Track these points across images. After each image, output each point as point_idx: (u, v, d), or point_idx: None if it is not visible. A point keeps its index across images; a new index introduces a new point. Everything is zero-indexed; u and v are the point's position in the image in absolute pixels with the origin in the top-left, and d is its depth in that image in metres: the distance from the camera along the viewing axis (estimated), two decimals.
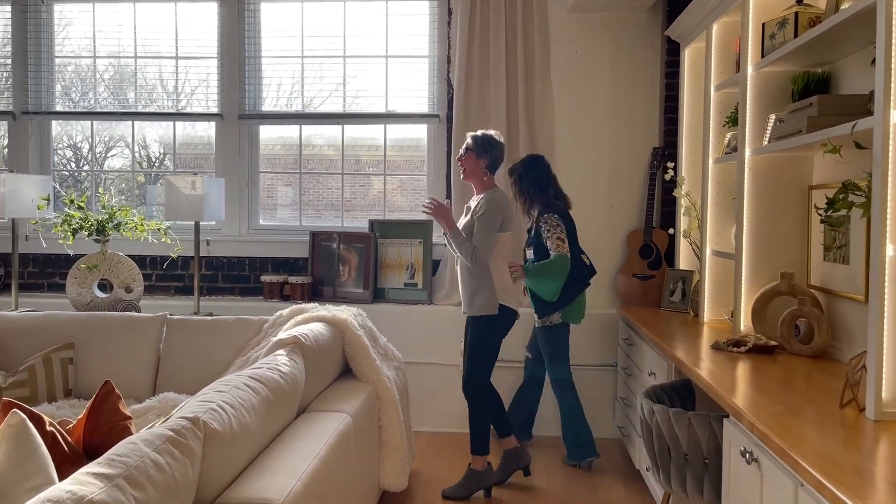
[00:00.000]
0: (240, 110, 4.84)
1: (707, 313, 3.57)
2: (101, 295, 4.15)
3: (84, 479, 1.38)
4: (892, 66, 1.92)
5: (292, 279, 4.61)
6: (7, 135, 5.03)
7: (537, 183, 3.81)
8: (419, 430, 4.45)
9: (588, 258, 3.89)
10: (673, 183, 4.22)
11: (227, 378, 2.20)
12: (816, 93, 2.77)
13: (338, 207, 4.94)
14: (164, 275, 4.90)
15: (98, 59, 5.05)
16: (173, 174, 4.75)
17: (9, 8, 4.96)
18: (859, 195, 2.19)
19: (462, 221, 3.57)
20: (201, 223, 4.34)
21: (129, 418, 2.05)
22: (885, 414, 1.94)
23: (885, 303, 1.93)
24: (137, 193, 5.09)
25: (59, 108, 5.08)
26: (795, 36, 2.65)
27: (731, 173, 3.49)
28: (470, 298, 3.48)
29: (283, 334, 2.87)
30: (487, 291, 3.43)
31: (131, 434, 1.94)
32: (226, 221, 4.80)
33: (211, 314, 4.13)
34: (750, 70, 3.05)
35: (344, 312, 3.34)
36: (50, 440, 1.78)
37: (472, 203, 3.57)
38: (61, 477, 1.59)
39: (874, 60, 2.05)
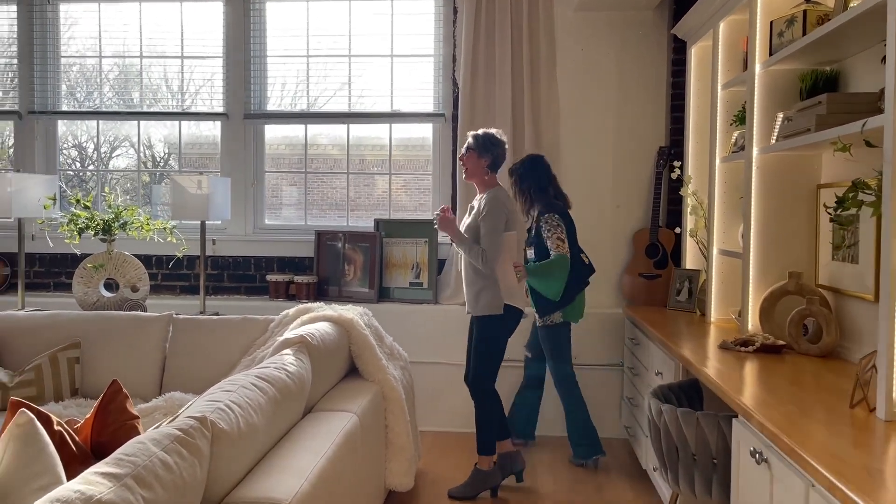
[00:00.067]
0: (245, 110, 4.84)
1: (714, 313, 3.56)
2: (107, 294, 4.15)
3: (92, 479, 1.38)
4: None
5: (298, 278, 4.61)
6: (13, 134, 5.03)
7: (537, 183, 3.82)
8: (425, 429, 4.44)
9: (587, 257, 3.89)
10: (679, 182, 4.20)
11: (234, 377, 2.20)
12: (825, 91, 2.76)
13: (343, 207, 4.93)
14: (170, 274, 4.90)
15: (103, 59, 5.06)
16: (179, 174, 4.76)
17: (14, 8, 4.97)
18: (869, 193, 2.17)
19: (465, 221, 3.57)
20: (207, 223, 4.34)
21: (137, 418, 2.05)
22: (895, 414, 1.93)
23: None
24: (142, 193, 5.09)
25: (64, 107, 5.08)
26: (804, 34, 2.64)
27: (738, 172, 3.47)
28: (475, 298, 3.47)
29: (289, 334, 2.87)
30: (492, 291, 3.42)
31: (139, 434, 1.94)
32: (231, 221, 4.81)
33: (217, 313, 4.13)
34: (758, 68, 3.04)
35: (350, 312, 3.34)
36: (58, 440, 1.78)
37: (475, 203, 3.56)
38: (69, 477, 1.59)
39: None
